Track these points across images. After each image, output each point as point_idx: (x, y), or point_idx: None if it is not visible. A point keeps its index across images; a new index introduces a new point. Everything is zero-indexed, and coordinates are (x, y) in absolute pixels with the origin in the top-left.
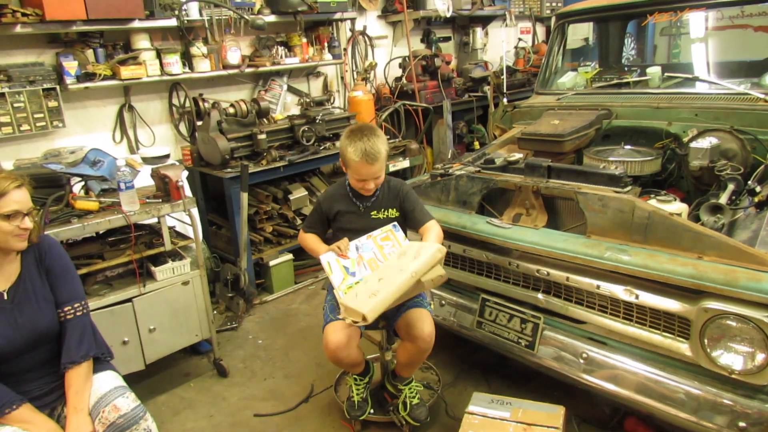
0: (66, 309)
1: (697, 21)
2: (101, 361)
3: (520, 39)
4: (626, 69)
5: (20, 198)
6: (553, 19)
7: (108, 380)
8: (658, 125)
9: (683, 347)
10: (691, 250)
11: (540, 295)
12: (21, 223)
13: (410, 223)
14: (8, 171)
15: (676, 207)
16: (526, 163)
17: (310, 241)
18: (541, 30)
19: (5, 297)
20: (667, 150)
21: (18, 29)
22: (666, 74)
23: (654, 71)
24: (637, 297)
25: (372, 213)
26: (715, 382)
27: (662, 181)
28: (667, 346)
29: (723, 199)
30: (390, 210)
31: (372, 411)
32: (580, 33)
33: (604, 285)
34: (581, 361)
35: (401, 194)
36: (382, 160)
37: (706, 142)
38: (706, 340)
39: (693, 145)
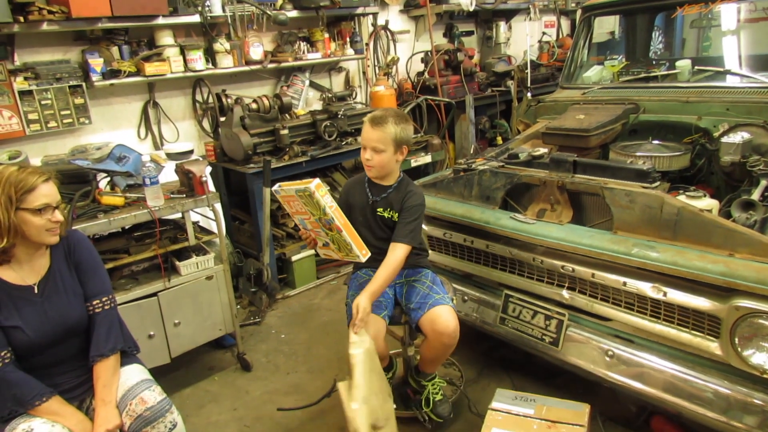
0: (94, 302)
1: (728, 12)
2: (128, 354)
3: (544, 33)
4: (654, 63)
5: (48, 191)
6: (579, 13)
7: (135, 373)
8: (687, 120)
9: (713, 346)
10: (722, 247)
11: (565, 292)
12: (52, 216)
13: (395, 229)
14: (34, 166)
15: (706, 203)
16: (551, 158)
17: None
18: (565, 23)
19: (35, 290)
20: (696, 145)
21: (44, 27)
22: (696, 68)
23: (683, 64)
24: (665, 294)
25: (378, 209)
26: (746, 381)
27: (691, 177)
28: (695, 344)
29: (755, 196)
30: (394, 212)
31: (395, 406)
32: (606, 26)
33: (631, 282)
34: (607, 358)
35: (406, 202)
36: (386, 133)
37: (738, 137)
38: (736, 339)
39: (724, 140)
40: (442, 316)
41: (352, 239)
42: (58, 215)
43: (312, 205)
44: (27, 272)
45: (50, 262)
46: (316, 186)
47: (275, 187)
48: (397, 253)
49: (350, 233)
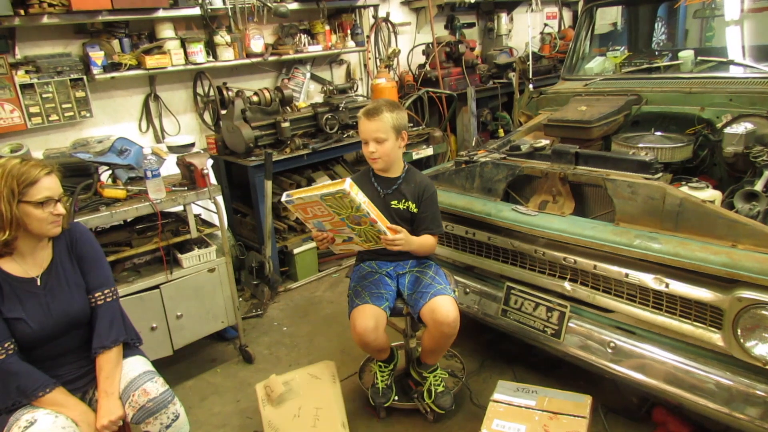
0: (97, 295)
1: (732, 2)
2: (131, 346)
3: (546, 24)
4: (657, 53)
5: (51, 184)
6: (581, 4)
7: (137, 365)
8: (690, 111)
9: (715, 337)
10: (725, 238)
11: (566, 284)
12: (54, 209)
13: (416, 223)
14: (36, 159)
15: (709, 194)
16: (553, 150)
17: None
18: (567, 15)
19: (38, 283)
20: (699, 136)
21: (45, 20)
22: (699, 58)
23: (686, 55)
24: (667, 286)
25: (392, 202)
26: (749, 373)
27: (694, 168)
28: (698, 336)
29: (758, 186)
30: (410, 203)
31: (396, 398)
32: (609, 17)
33: (633, 273)
34: (609, 350)
35: (425, 193)
36: (384, 122)
37: (741, 128)
38: (739, 330)
39: (727, 130)
40: (443, 306)
41: (385, 227)
42: (60, 208)
43: (341, 206)
44: (30, 265)
45: (53, 255)
46: (350, 185)
47: (285, 198)
48: (432, 238)
49: (383, 221)
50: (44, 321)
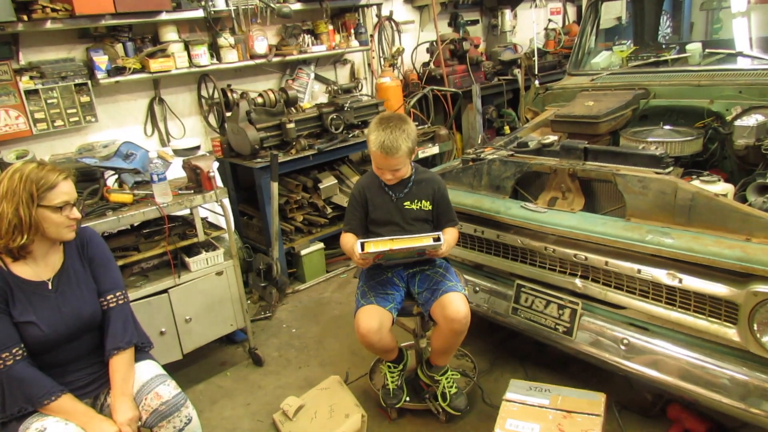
0: (108, 297)
1: None
2: (141, 350)
3: (550, 20)
4: (663, 47)
5: (68, 189)
6: None
7: (149, 369)
8: (699, 104)
9: (730, 332)
10: (739, 232)
11: (577, 281)
12: (70, 213)
13: (435, 221)
14: (52, 163)
15: (721, 187)
16: (562, 146)
17: (346, 241)
18: (571, 10)
19: (50, 286)
20: (708, 129)
21: (48, 25)
22: (707, 50)
23: (694, 47)
24: (680, 281)
25: (405, 204)
26: (765, 368)
27: (704, 162)
28: (713, 331)
29: None
30: (423, 201)
31: (408, 399)
32: (613, 12)
33: (646, 269)
34: (622, 347)
35: (438, 191)
36: (401, 156)
37: (752, 120)
38: (755, 325)
39: (738, 123)
40: (453, 302)
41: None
42: (76, 212)
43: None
44: (41, 268)
45: (64, 258)
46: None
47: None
48: (453, 235)
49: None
50: (56, 324)
